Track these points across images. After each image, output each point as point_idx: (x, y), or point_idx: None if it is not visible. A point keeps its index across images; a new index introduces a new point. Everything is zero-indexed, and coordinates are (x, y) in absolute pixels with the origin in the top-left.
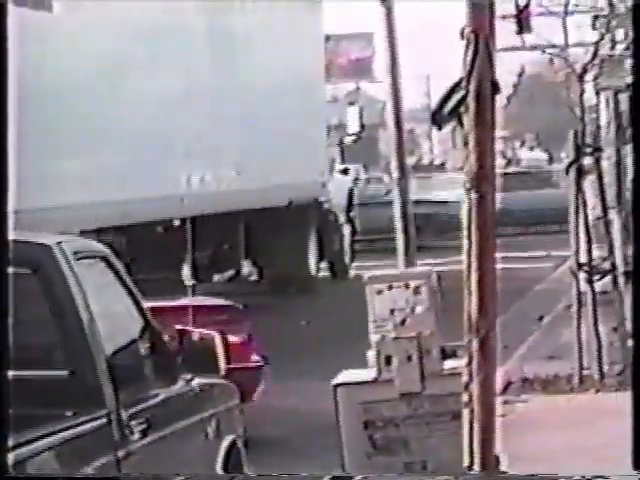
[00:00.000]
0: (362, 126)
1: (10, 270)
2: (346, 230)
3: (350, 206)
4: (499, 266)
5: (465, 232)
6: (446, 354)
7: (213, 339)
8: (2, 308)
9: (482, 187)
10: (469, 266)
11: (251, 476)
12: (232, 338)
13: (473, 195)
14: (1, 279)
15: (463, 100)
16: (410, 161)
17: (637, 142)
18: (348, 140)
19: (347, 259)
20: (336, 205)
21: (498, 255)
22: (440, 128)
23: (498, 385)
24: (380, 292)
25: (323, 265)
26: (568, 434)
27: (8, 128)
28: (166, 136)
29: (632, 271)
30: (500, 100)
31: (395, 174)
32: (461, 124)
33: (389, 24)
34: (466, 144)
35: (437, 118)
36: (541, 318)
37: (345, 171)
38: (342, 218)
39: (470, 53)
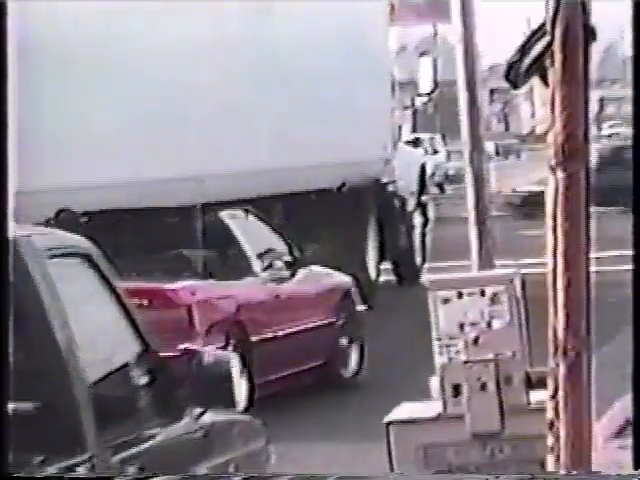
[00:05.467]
0: (436, 83)
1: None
2: (417, 220)
3: (422, 188)
4: (607, 268)
5: (549, 223)
6: (532, 383)
7: (229, 362)
8: (3, 308)
9: (571, 164)
10: (555, 267)
11: (253, 476)
12: None
13: (560, 175)
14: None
15: (547, 50)
16: (499, 129)
17: (637, 140)
18: (419, 102)
19: (418, 258)
20: (403, 187)
21: (608, 254)
22: (516, 87)
23: (611, 426)
24: (447, 301)
25: (385, 266)
26: None
27: (8, 130)
28: (182, 101)
29: (632, 271)
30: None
31: (466, 146)
32: (545, 82)
33: None
34: (552, 108)
35: (512, 74)
36: None
37: (415, 142)
38: (411, 204)
39: None
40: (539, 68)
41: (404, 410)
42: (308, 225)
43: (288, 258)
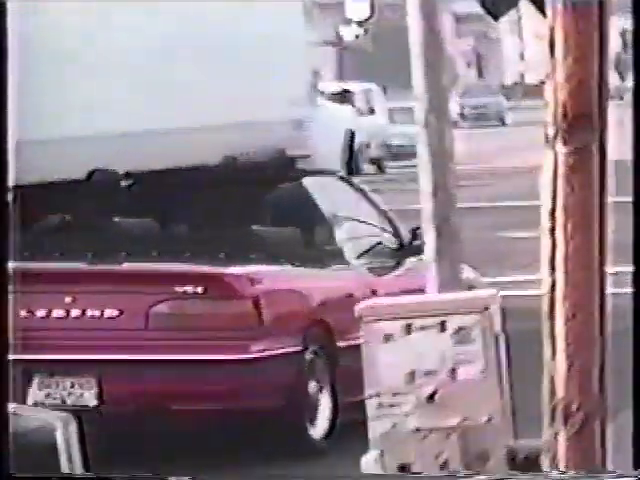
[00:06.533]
0: (373, 7)
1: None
2: None
3: (351, 165)
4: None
5: (546, 224)
6: (518, 462)
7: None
8: (2, 308)
9: (579, 134)
10: (552, 288)
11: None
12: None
13: (560, 150)
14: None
15: None
16: (470, 78)
17: (637, 139)
18: (348, 34)
19: None
20: (322, 164)
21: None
22: (495, 16)
23: None
24: (389, 338)
25: None
26: None
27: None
28: None
29: (632, 271)
30: None
31: (419, 103)
32: (540, 8)
33: None
34: (551, 46)
35: None
36: None
37: (342, 96)
38: None
39: None
40: None
41: None
42: (174, 223)
43: (392, 243)
